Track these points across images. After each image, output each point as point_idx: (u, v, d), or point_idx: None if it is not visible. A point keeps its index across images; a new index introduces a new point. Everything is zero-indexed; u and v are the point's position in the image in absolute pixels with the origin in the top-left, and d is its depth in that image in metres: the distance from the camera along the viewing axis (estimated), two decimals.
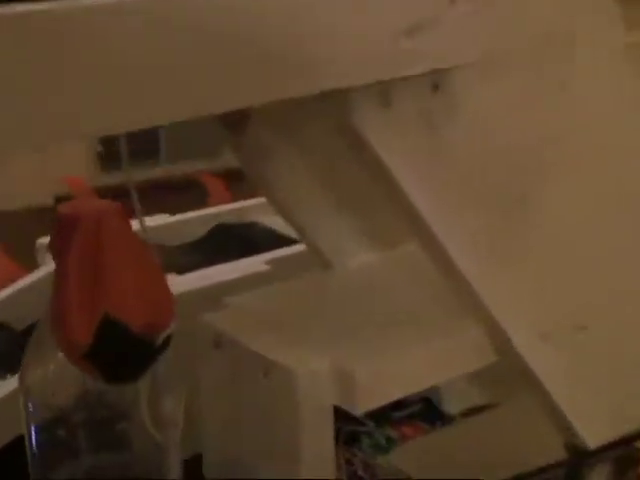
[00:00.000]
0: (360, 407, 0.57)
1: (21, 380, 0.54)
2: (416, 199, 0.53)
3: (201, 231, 1.18)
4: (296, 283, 0.70)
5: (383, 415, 0.84)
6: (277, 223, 1.26)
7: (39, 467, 0.55)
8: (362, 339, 0.61)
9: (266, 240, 1.15)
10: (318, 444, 0.58)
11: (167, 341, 0.49)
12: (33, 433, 0.54)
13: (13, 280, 1.05)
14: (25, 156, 2.06)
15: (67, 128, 0.40)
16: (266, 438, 0.60)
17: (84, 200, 0.50)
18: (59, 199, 2.05)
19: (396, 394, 0.60)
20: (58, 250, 0.49)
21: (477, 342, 0.61)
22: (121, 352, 0.47)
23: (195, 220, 1.21)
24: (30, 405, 0.54)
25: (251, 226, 1.23)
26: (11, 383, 0.77)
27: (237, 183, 1.48)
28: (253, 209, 1.26)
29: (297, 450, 0.58)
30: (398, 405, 0.87)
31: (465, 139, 0.54)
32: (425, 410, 0.89)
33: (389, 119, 0.50)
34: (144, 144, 2.34)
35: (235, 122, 0.63)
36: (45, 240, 1.07)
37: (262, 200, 1.31)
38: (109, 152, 2.26)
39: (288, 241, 1.11)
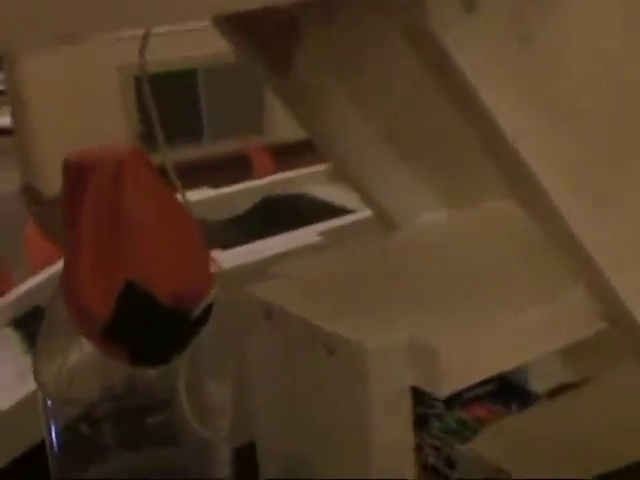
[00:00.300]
0: (445, 388, 0.47)
1: (35, 376, 0.45)
2: (506, 125, 0.42)
3: (246, 205, 1.12)
4: (358, 247, 0.60)
5: (452, 395, 0.77)
6: (326, 194, 1.19)
7: (61, 470, 0.46)
8: (442, 308, 0.51)
9: (315, 211, 1.09)
10: (393, 432, 0.48)
11: (206, 313, 0.39)
12: (53, 432, 0.45)
13: (54, 261, 1.00)
14: (65, 140, 2.01)
15: None
16: (330, 425, 0.50)
17: (98, 149, 0.39)
18: None
19: (486, 372, 0.50)
20: (69, 208, 0.40)
21: (580, 307, 0.51)
22: (148, 327, 0.37)
23: (240, 193, 1.15)
24: (48, 401, 0.45)
25: (299, 198, 1.18)
26: None
27: (283, 158, 1.41)
28: (300, 180, 1.20)
29: (367, 440, 0.48)
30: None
31: (565, 52, 0.43)
32: (499, 389, 0.82)
33: (473, 26, 0.40)
34: (187, 123, 2.26)
35: (280, 61, 0.53)
36: None
37: (309, 170, 1.25)
38: (150, 132, 2.19)
39: (339, 211, 1.04)
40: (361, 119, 0.57)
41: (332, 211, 1.07)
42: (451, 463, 0.69)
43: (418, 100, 0.55)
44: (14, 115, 2.30)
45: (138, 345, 0.38)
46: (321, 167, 1.24)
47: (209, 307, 0.39)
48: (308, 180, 1.23)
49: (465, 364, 0.48)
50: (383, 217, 0.62)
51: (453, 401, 0.77)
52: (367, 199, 0.62)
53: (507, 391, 0.81)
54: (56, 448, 0.46)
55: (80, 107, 2.11)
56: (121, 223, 0.38)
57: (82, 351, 0.42)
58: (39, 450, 0.69)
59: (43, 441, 0.71)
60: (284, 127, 2.34)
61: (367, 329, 0.48)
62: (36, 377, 0.44)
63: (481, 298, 0.52)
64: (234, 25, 0.52)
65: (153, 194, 0.39)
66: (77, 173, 0.40)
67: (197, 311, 0.38)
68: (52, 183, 2.08)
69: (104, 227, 0.38)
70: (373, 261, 0.58)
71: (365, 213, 1.00)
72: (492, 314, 0.50)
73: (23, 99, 2.21)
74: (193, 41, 2.20)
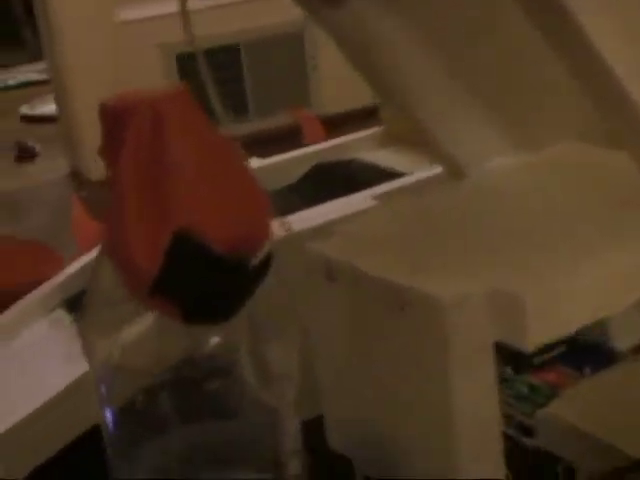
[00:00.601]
0: (531, 341, 0.43)
1: (85, 348, 0.42)
2: (601, 46, 0.37)
3: (298, 172, 1.09)
4: (424, 198, 0.56)
5: (521, 360, 0.71)
6: (378, 158, 1.16)
7: (117, 447, 0.42)
8: (521, 258, 0.46)
9: (368, 176, 1.06)
10: (476, 392, 0.44)
11: (265, 263, 0.35)
12: (107, 407, 0.42)
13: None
14: None
15: None
16: (405, 389, 0.46)
17: (133, 91, 0.35)
18: None
19: (574, 323, 0.45)
20: (109, 155, 0.36)
21: None
22: (202, 279, 0.33)
23: (291, 161, 1.13)
24: (101, 377, 0.41)
25: (351, 163, 1.15)
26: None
27: (330, 129, 1.38)
28: (351, 145, 1.17)
29: (448, 402, 0.44)
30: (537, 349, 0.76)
31: None
32: (569, 352, 0.77)
33: None
34: (231, 100, 2.23)
35: None
36: None
37: (360, 135, 1.22)
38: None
39: (392, 175, 1.01)
40: (423, 56, 0.52)
41: (385, 175, 1.04)
42: (526, 430, 0.65)
43: (485, 32, 0.50)
44: (58, 102, 2.29)
45: (192, 300, 0.34)
46: (370, 132, 1.21)
47: (268, 256, 0.35)
48: (359, 145, 1.20)
49: (552, 315, 0.43)
50: (449, 163, 0.57)
51: (522, 366, 0.73)
52: (431, 143, 0.57)
53: (579, 354, 0.77)
54: (111, 424, 0.42)
55: (122, 88, 2.09)
56: (167, 169, 0.34)
57: (135, 318, 0.38)
58: (95, 432, 0.66)
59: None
60: (330, 99, 2.30)
61: (443, 281, 0.44)
62: (86, 349, 0.41)
63: (561, 246, 0.47)
64: None
65: (200, 138, 0.35)
66: (115, 118, 0.36)
67: (255, 260, 0.34)
68: (97, 167, 2.06)
69: (147, 173, 0.34)
70: (442, 211, 0.54)
71: (418, 175, 0.96)
72: (575, 262, 0.46)
73: (65, 85, 2.19)
74: (233, 16, 2.17)
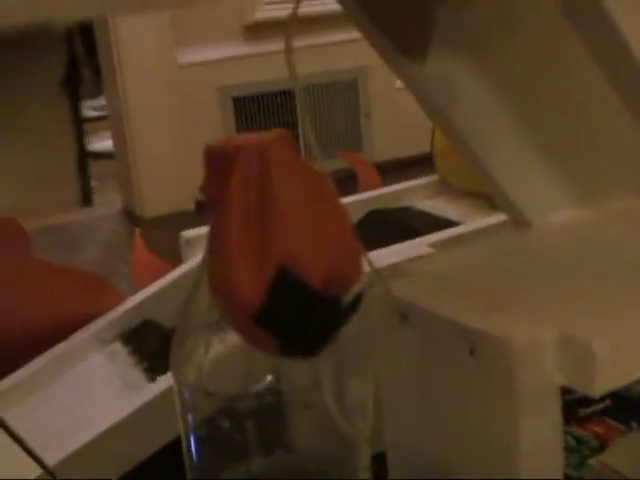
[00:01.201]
0: (598, 388, 0.44)
1: (174, 367, 0.44)
2: None
3: (354, 218, 1.11)
4: (490, 243, 0.58)
5: (567, 412, 0.74)
6: (432, 206, 1.18)
7: (197, 471, 0.44)
8: (589, 305, 0.48)
9: (423, 224, 1.07)
10: (542, 436, 0.45)
11: (356, 302, 0.37)
12: (190, 428, 0.44)
13: (160, 276, 1.00)
14: (169, 165, 2.04)
15: None
16: (472, 432, 0.48)
17: (237, 135, 0.38)
18: (200, 204, 2.01)
19: None
20: (214, 195, 0.39)
21: None
22: (300, 313, 0.36)
23: (347, 207, 1.13)
24: (186, 400, 0.44)
25: (406, 210, 1.16)
26: (161, 385, 0.71)
27: (383, 175, 1.40)
28: (405, 193, 1.18)
29: (515, 445, 0.45)
30: (583, 401, 0.75)
31: None
32: (615, 406, 0.78)
33: None
34: None
35: (412, 47, 0.51)
36: (189, 233, 1.00)
37: (414, 183, 1.24)
38: None
39: (447, 223, 1.03)
40: (495, 109, 0.55)
41: (439, 223, 1.05)
42: None
43: (555, 87, 0.53)
44: (115, 140, 2.34)
45: (289, 334, 0.36)
46: (425, 180, 1.23)
47: (359, 295, 0.37)
48: (414, 193, 1.21)
49: (619, 362, 0.45)
50: (513, 213, 0.59)
51: (569, 418, 0.74)
52: (497, 194, 0.59)
53: (624, 408, 0.78)
54: (192, 445, 0.44)
55: (179, 130, 2.13)
56: (270, 205, 0.36)
57: (224, 343, 0.40)
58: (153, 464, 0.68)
59: (154, 456, 0.71)
60: (381, 146, 2.33)
61: (512, 325, 0.45)
62: (175, 369, 0.43)
63: (630, 294, 0.49)
64: (366, 8, 0.51)
65: (300, 176, 0.37)
66: (222, 158, 0.38)
67: (348, 298, 0.37)
68: (151, 205, 2.11)
69: (253, 210, 0.36)
70: (509, 257, 0.56)
71: (472, 225, 0.98)
72: None
73: (124, 124, 2.24)
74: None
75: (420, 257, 0.71)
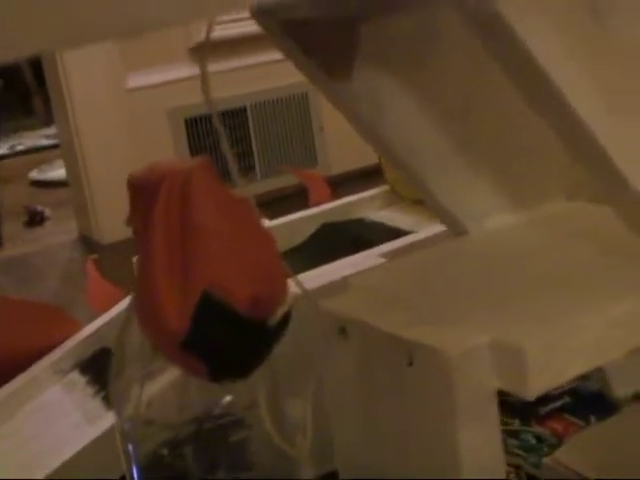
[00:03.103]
0: (531, 390, 0.45)
1: (113, 400, 0.44)
2: (579, 107, 0.41)
3: (306, 232, 1.11)
4: (425, 253, 0.59)
5: (527, 411, 0.75)
6: (385, 217, 1.19)
7: None
8: (522, 310, 0.49)
9: (377, 235, 1.08)
10: (482, 440, 0.46)
11: (284, 323, 0.38)
12: (133, 461, 0.44)
13: (116, 303, 1.00)
14: (123, 190, 2.04)
15: None
16: (415, 441, 0.48)
17: (159, 163, 0.38)
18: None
19: (573, 371, 0.48)
20: (138, 226, 0.39)
21: None
22: (227, 337, 0.36)
23: (298, 221, 1.14)
24: (127, 432, 0.44)
25: (359, 221, 1.17)
26: None
27: (336, 189, 1.41)
28: (356, 205, 1.19)
29: (455, 451, 0.46)
30: (542, 399, 0.77)
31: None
32: (574, 403, 0.79)
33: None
34: (239, 161, 2.26)
35: (338, 65, 0.52)
36: None
37: (366, 195, 1.25)
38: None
39: (398, 233, 1.03)
40: (424, 120, 0.56)
41: (391, 233, 1.06)
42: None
43: (480, 96, 0.54)
44: (68, 167, 2.33)
45: (217, 358, 0.36)
46: (375, 191, 1.24)
47: (286, 316, 0.38)
48: (365, 205, 1.22)
49: (552, 364, 0.46)
50: (450, 222, 0.60)
51: (529, 417, 0.75)
52: (433, 204, 0.60)
53: (583, 404, 0.79)
54: (135, 476, 0.44)
55: (132, 154, 2.13)
56: (193, 232, 0.37)
57: (160, 374, 0.41)
58: None
59: None
60: (336, 160, 2.34)
61: (448, 335, 0.46)
62: (113, 401, 0.43)
63: (560, 298, 0.50)
64: (289, 32, 0.52)
65: (223, 203, 0.38)
66: (144, 188, 0.39)
67: (275, 319, 0.37)
68: (107, 231, 2.10)
69: (177, 239, 0.37)
70: (445, 267, 0.56)
71: (423, 233, 0.99)
72: (573, 313, 0.48)
73: (76, 151, 2.23)
74: (240, 79, 2.21)
75: (359, 271, 0.72)
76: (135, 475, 0.44)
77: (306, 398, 0.43)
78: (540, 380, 0.45)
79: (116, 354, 0.43)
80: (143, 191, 0.39)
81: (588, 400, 0.81)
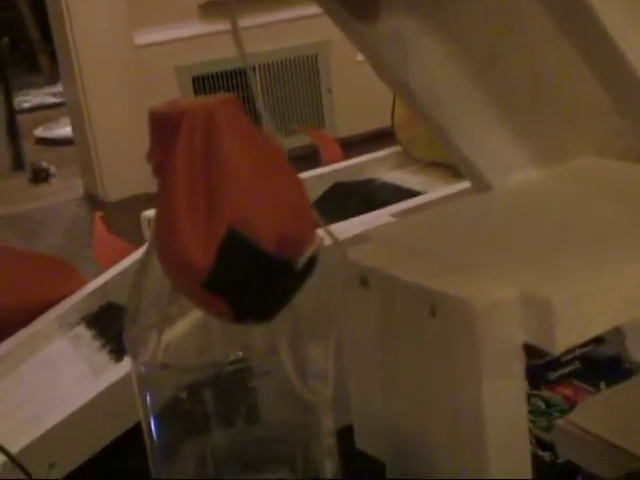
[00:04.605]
0: (559, 344, 0.44)
1: (129, 344, 0.43)
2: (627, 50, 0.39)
3: (317, 192, 1.10)
4: (447, 207, 0.57)
5: (537, 376, 0.74)
6: (396, 178, 1.17)
7: (158, 446, 0.43)
8: (549, 263, 0.47)
9: (387, 195, 1.07)
10: (506, 396, 0.45)
11: (311, 264, 0.36)
12: (150, 411, 0.43)
13: (123, 258, 0.99)
14: (130, 147, 2.02)
15: None
16: (436, 395, 0.47)
17: (181, 100, 0.37)
18: None
19: (601, 327, 0.46)
20: (160, 161, 0.37)
21: None
22: (252, 277, 0.35)
23: (309, 181, 1.13)
24: (144, 377, 0.43)
25: (370, 182, 1.15)
26: (127, 365, 0.70)
27: (345, 151, 1.39)
28: (369, 165, 1.18)
29: (479, 406, 0.45)
30: (552, 364, 0.77)
31: None
32: (584, 368, 0.78)
33: None
34: None
35: (365, 6, 0.50)
36: (150, 213, 0.99)
37: (378, 155, 1.23)
38: None
39: (410, 194, 1.02)
40: (451, 69, 0.54)
41: (403, 194, 1.05)
42: (543, 445, 0.66)
43: (510, 44, 0.52)
44: (74, 125, 2.31)
45: (241, 298, 0.35)
46: (387, 152, 1.22)
47: (313, 258, 0.36)
48: (376, 165, 1.21)
49: (580, 318, 0.44)
50: (474, 176, 0.59)
51: (538, 382, 0.73)
52: (457, 157, 0.59)
53: (594, 370, 0.78)
54: (152, 423, 0.43)
55: (139, 111, 2.11)
56: (218, 168, 0.35)
57: (179, 316, 0.39)
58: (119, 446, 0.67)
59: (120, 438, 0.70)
60: (343, 122, 2.32)
61: (473, 285, 0.45)
62: (129, 347, 0.42)
63: (588, 253, 0.48)
64: None
65: (250, 138, 0.36)
66: (166, 122, 0.37)
67: (302, 260, 0.36)
68: (113, 189, 2.09)
69: (200, 174, 0.35)
70: (468, 220, 0.55)
71: (435, 194, 0.97)
72: (602, 269, 0.47)
73: (82, 109, 2.21)
74: (249, 39, 2.19)
75: (377, 225, 0.70)
76: (152, 422, 0.42)
77: (328, 345, 0.41)
78: (568, 334, 0.44)
79: (132, 299, 0.41)
80: (164, 125, 0.37)
81: (599, 366, 0.80)
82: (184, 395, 0.42)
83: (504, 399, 0.45)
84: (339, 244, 0.41)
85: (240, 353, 0.40)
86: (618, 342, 0.75)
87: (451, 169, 1.07)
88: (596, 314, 0.45)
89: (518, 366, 0.45)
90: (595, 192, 0.56)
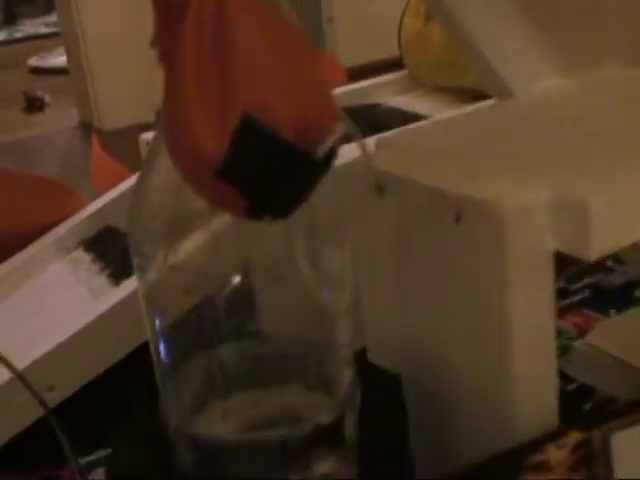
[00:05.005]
0: (594, 250, 0.41)
1: (136, 270, 0.40)
2: None
3: None
4: (468, 114, 0.54)
5: None
6: (402, 102, 1.15)
7: (166, 366, 0.41)
8: (580, 166, 0.44)
9: (394, 120, 1.04)
10: (535, 308, 0.42)
11: (331, 154, 0.33)
12: (157, 328, 0.40)
13: (120, 181, 0.97)
14: (127, 76, 1.99)
15: None
16: (458, 308, 0.44)
17: None
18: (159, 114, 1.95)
19: (638, 234, 0.43)
20: (166, 46, 0.34)
21: None
22: (269, 166, 0.31)
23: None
24: (150, 281, 0.40)
25: (375, 106, 1.13)
26: (127, 288, 0.69)
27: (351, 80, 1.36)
28: (375, 89, 1.15)
29: (505, 319, 0.42)
30: (561, 293, 0.78)
31: None
32: (593, 297, 0.79)
33: None
34: None
35: None
36: (149, 136, 0.96)
37: (383, 79, 1.20)
38: None
39: (417, 118, 1.00)
40: None
41: (410, 118, 1.02)
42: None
43: None
44: (69, 54, 2.26)
45: (257, 189, 0.31)
46: (393, 76, 1.19)
47: (334, 149, 0.33)
48: (382, 90, 1.18)
49: (617, 221, 0.41)
50: (496, 84, 0.56)
51: None
52: (480, 64, 0.55)
53: (604, 298, 0.77)
54: (159, 335, 0.40)
55: (137, 39, 2.06)
56: (230, 50, 0.32)
57: (186, 233, 0.36)
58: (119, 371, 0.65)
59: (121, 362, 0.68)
60: (344, 52, 2.27)
61: (501, 189, 0.42)
62: (135, 250, 0.39)
63: (622, 157, 0.45)
64: None
65: (265, 18, 0.33)
66: (172, 2, 0.34)
67: (323, 149, 0.32)
68: (109, 119, 2.06)
69: (210, 54, 0.32)
70: (491, 126, 0.52)
71: (442, 117, 0.94)
72: (636, 170, 0.44)
73: (77, 37, 2.16)
74: None
75: (391, 133, 0.66)
76: (159, 337, 0.40)
77: (344, 250, 0.38)
78: (604, 240, 0.41)
79: (134, 211, 0.38)
80: (170, 5, 0.34)
81: (609, 295, 0.79)
82: (194, 310, 0.39)
83: (532, 310, 0.42)
84: (362, 145, 0.38)
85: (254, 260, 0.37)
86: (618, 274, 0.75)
87: (458, 94, 1.05)
88: (634, 220, 0.42)
89: (548, 276, 0.42)
90: (624, 100, 0.53)
